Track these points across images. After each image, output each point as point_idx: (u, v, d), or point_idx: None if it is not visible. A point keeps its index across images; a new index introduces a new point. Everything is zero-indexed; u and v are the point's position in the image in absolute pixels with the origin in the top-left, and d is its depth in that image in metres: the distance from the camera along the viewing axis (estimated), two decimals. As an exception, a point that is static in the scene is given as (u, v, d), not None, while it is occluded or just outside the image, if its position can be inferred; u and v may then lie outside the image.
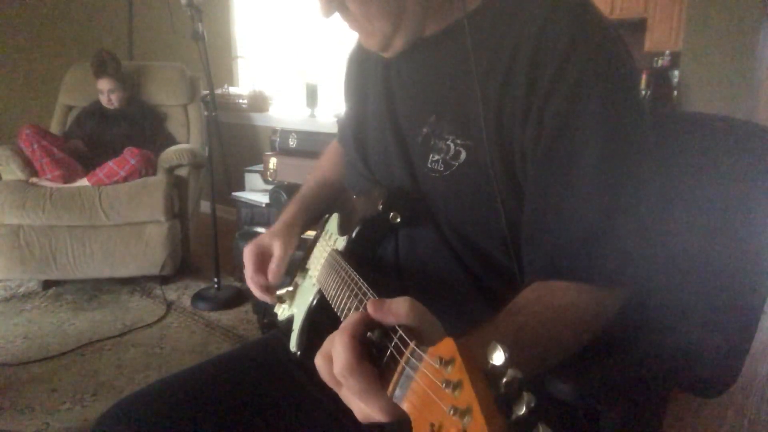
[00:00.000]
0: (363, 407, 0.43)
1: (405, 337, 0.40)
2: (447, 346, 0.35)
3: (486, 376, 0.33)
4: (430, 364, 0.36)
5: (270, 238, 0.85)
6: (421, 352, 0.37)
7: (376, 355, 0.43)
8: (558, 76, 0.60)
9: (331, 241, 0.81)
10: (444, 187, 0.68)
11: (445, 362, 0.34)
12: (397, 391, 0.39)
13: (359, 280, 0.57)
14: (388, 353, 0.41)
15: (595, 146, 0.60)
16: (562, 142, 0.60)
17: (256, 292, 0.84)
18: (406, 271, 0.74)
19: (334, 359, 0.42)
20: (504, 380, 0.32)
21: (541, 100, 0.60)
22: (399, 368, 0.39)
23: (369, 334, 0.43)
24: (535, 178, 0.63)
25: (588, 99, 0.59)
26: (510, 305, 0.60)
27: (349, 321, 0.44)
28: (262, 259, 0.84)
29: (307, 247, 0.89)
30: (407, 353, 0.39)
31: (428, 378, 0.35)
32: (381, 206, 0.70)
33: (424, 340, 0.40)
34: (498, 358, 0.33)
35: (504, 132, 0.63)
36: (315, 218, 0.92)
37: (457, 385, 0.32)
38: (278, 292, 0.87)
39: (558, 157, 0.61)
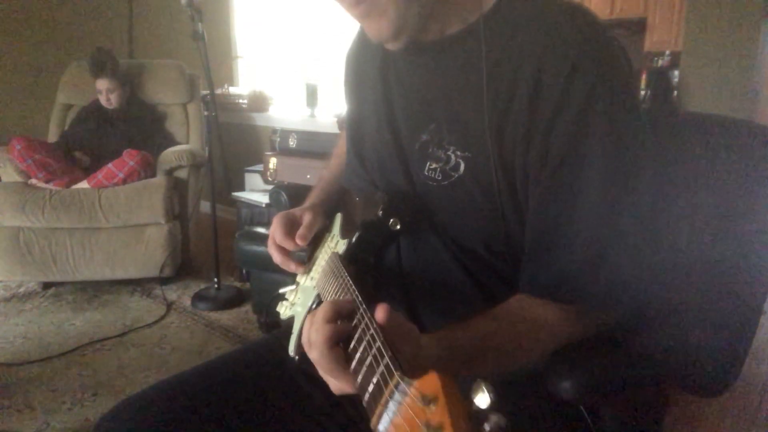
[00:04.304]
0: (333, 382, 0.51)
1: (391, 365, 0.40)
2: (431, 382, 0.34)
3: (469, 418, 0.32)
4: (414, 402, 0.35)
5: (300, 211, 0.86)
6: (405, 386, 0.37)
7: (364, 379, 0.43)
8: (563, 98, 0.59)
9: (332, 242, 0.81)
10: (441, 196, 0.68)
11: (428, 400, 0.33)
12: (380, 426, 0.38)
13: (355, 291, 0.56)
14: (375, 381, 0.41)
15: (600, 171, 0.60)
16: (567, 166, 0.61)
17: (278, 258, 0.84)
18: (409, 276, 0.74)
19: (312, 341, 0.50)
20: (487, 427, 0.31)
21: (546, 121, 0.60)
22: (383, 400, 0.38)
23: (360, 351, 0.44)
24: (539, 199, 0.63)
25: (594, 123, 0.59)
26: (493, 309, 0.63)
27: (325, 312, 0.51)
28: (292, 226, 0.84)
29: (311, 245, 0.89)
30: (392, 384, 0.38)
31: (410, 416, 0.34)
32: (381, 212, 0.70)
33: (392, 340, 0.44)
34: (482, 400, 0.32)
35: (505, 148, 0.63)
36: (336, 204, 0.93)
37: (438, 429, 0.31)
38: (281, 290, 0.87)
39: (563, 181, 0.61)
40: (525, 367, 0.63)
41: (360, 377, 0.44)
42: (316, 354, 0.49)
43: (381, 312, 0.47)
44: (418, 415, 0.34)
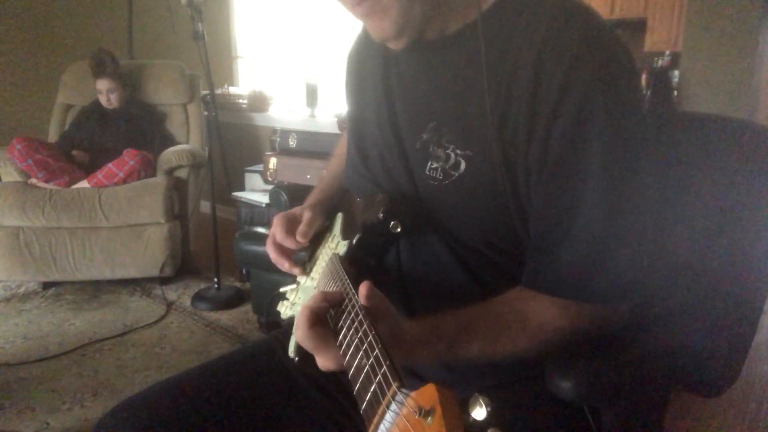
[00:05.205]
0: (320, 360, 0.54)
1: (389, 375, 0.40)
2: (429, 394, 0.34)
3: (466, 431, 0.32)
4: (411, 413, 0.35)
5: (300, 210, 0.87)
6: (402, 397, 0.37)
7: (362, 387, 0.43)
8: (563, 95, 0.59)
9: (333, 243, 0.81)
10: (443, 195, 0.68)
11: (425, 413, 0.33)
12: None
13: (354, 296, 0.56)
14: (372, 390, 0.41)
15: (600, 168, 0.60)
16: (568, 162, 0.60)
17: (274, 256, 0.84)
18: (408, 277, 0.74)
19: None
20: None
21: (546, 119, 0.60)
22: (380, 410, 0.38)
23: (358, 358, 0.45)
24: (542, 195, 0.63)
25: (594, 120, 0.59)
26: (492, 299, 0.64)
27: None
28: (292, 225, 0.84)
29: (311, 245, 0.89)
30: (389, 395, 0.38)
31: (407, 428, 0.34)
32: (382, 215, 0.69)
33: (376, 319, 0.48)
34: (479, 413, 0.32)
35: (506, 145, 0.63)
36: (337, 204, 0.94)
37: None
38: (281, 290, 0.87)
39: (564, 177, 0.61)
40: (509, 357, 0.62)
41: (358, 385, 0.44)
42: (298, 334, 0.53)
43: (364, 289, 0.51)
44: (415, 427, 0.33)
